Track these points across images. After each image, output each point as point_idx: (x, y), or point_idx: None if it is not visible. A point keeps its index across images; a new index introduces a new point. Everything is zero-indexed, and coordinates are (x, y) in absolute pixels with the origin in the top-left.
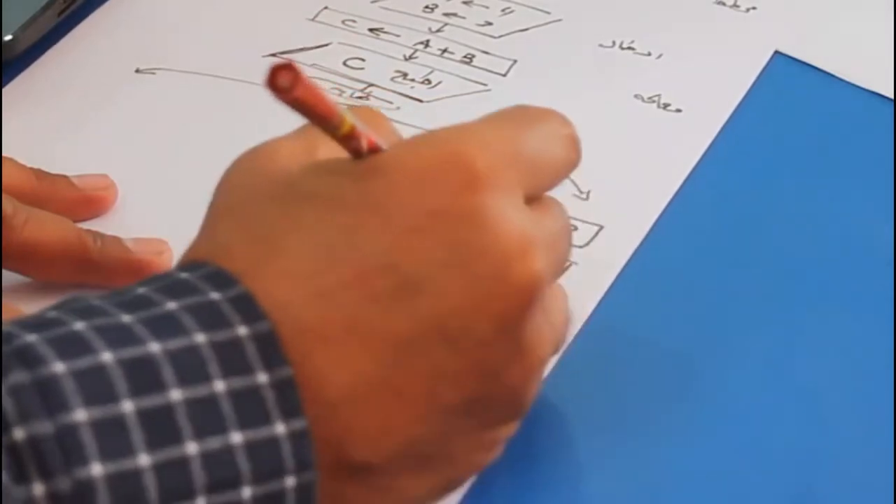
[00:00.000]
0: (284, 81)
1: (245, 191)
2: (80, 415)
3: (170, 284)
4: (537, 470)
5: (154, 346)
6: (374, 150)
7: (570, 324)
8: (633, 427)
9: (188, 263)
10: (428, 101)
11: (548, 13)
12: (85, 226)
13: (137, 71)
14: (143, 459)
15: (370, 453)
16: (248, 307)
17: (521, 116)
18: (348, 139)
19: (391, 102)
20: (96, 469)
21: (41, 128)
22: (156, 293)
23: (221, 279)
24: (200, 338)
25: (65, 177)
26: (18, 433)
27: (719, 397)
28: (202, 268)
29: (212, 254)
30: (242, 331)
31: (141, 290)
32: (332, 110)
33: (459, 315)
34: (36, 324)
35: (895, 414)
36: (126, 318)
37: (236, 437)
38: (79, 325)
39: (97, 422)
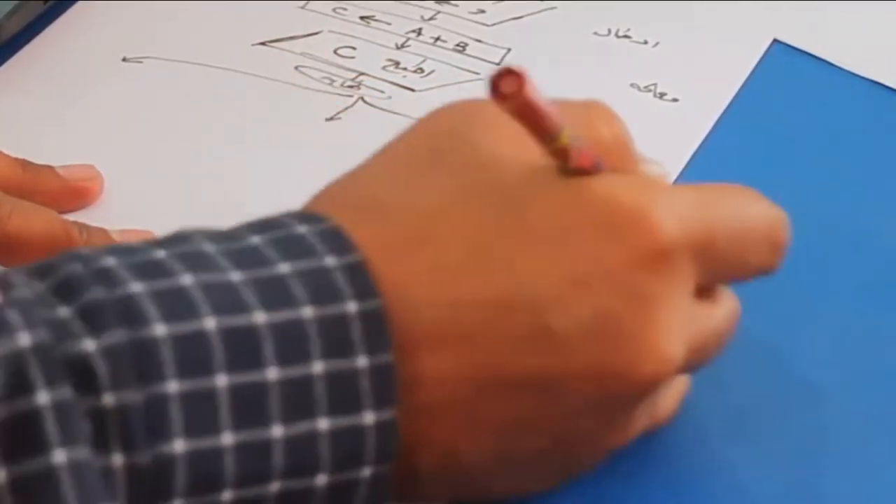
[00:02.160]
0: (509, 87)
1: (434, 146)
2: (172, 386)
3: (285, 238)
4: None
5: (260, 317)
6: (586, 170)
7: (677, 408)
8: None
9: (310, 213)
10: (420, 91)
11: (542, 1)
12: (71, 217)
13: (125, 59)
14: (227, 438)
15: (425, 467)
16: (361, 279)
17: (737, 198)
18: (561, 155)
19: (383, 91)
20: (179, 446)
21: (27, 117)
22: (269, 248)
23: (339, 241)
24: (308, 312)
25: (50, 167)
26: (108, 399)
27: (719, 391)
28: (321, 222)
29: (361, 203)
30: (352, 306)
31: (255, 241)
32: (552, 123)
33: (571, 378)
34: (143, 268)
35: None
36: (235, 277)
37: (323, 424)
38: (187, 280)
39: (188, 395)
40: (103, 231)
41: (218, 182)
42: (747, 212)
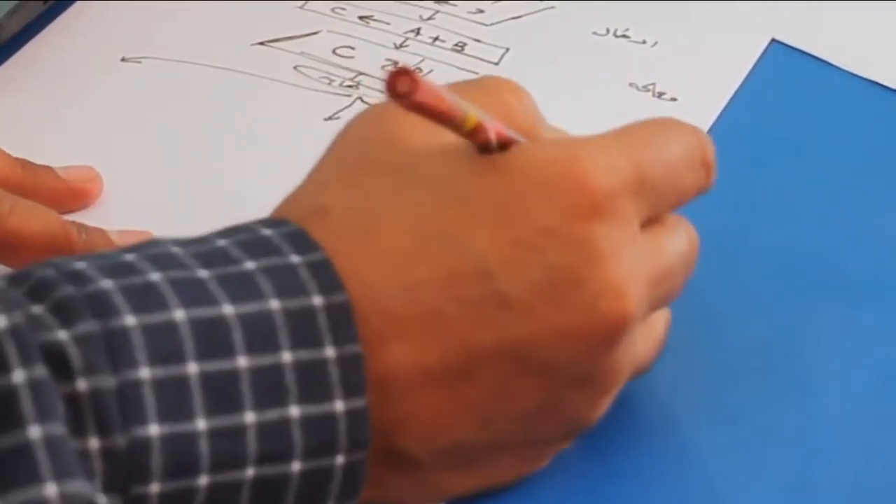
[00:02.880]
0: (403, 87)
1: (363, 151)
2: (145, 372)
3: (251, 240)
4: None
5: (227, 308)
6: (505, 142)
7: (660, 349)
8: (623, 425)
9: (275, 219)
10: None
11: (541, 0)
12: (70, 217)
13: (123, 59)
14: (201, 424)
15: (417, 448)
16: (326, 274)
17: (655, 133)
18: (474, 135)
19: (381, 91)
20: (153, 429)
21: (26, 117)
22: (235, 248)
23: (303, 241)
24: (275, 304)
25: (50, 168)
26: (81, 384)
27: (718, 390)
28: (286, 225)
29: (309, 211)
30: (317, 300)
31: (221, 243)
32: (454, 111)
33: (538, 339)
34: (112, 268)
35: None
36: (203, 274)
37: (294, 411)
38: (155, 276)
39: (160, 381)
40: (102, 231)
41: (217, 182)
42: (669, 140)
